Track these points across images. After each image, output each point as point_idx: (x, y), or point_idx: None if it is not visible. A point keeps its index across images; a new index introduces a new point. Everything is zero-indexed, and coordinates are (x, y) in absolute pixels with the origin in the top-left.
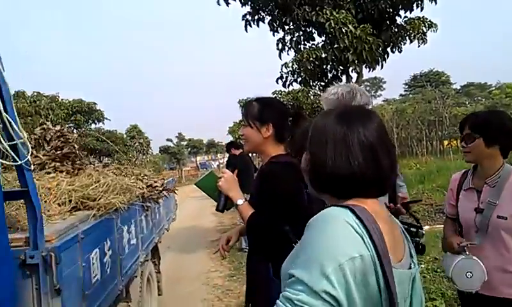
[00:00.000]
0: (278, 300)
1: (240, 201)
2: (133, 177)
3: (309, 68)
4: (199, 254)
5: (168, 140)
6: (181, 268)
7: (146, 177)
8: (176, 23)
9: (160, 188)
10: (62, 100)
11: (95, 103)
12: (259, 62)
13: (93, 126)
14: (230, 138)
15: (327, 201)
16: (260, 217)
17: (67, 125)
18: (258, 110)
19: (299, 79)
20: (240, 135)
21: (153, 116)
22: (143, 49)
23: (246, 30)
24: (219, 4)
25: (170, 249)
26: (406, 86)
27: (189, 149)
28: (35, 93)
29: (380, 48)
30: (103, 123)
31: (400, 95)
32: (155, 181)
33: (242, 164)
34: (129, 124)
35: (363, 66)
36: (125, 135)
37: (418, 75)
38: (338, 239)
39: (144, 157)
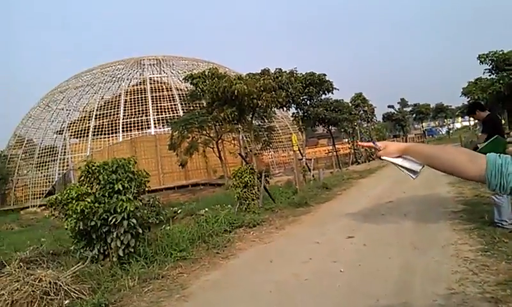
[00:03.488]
0: None
1: None
2: None
3: None
4: (440, 225)
5: (389, 106)
6: (423, 237)
7: None
8: None
9: None
10: (298, 74)
11: (325, 75)
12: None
13: (323, 96)
14: (464, 101)
15: None
16: None
17: (302, 96)
18: None
19: None
20: None
21: (376, 84)
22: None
23: None
24: None
25: (407, 216)
26: None
27: (414, 115)
28: (277, 70)
29: None
30: (332, 93)
31: None
32: None
33: (493, 127)
34: (354, 93)
35: None
36: (350, 104)
37: None
38: None
39: (368, 124)
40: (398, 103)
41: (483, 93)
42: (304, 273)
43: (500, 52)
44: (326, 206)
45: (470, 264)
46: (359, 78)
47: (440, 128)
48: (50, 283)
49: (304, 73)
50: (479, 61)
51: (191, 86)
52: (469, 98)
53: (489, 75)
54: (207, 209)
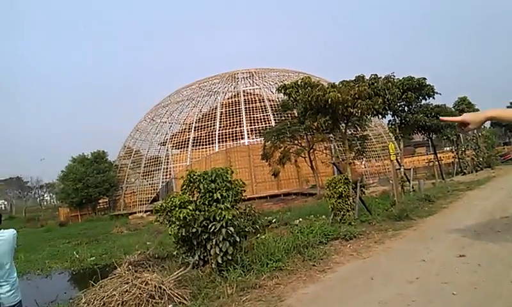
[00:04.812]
0: None
1: None
2: None
3: None
4: None
5: None
6: None
7: None
8: None
9: None
10: (395, 79)
11: (425, 79)
12: None
13: (422, 102)
14: None
15: None
16: None
17: (399, 103)
18: None
19: None
20: None
21: (482, 86)
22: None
23: None
24: None
25: (500, 233)
26: None
27: None
28: (372, 76)
29: None
30: (433, 98)
31: None
32: None
33: None
34: (458, 97)
35: None
36: (453, 109)
37: None
38: None
39: (476, 131)
40: (507, 106)
41: None
42: (411, 294)
43: None
44: (430, 220)
45: None
46: (462, 81)
47: None
48: (155, 286)
49: (401, 78)
50: None
51: (283, 97)
52: None
53: None
54: (300, 219)
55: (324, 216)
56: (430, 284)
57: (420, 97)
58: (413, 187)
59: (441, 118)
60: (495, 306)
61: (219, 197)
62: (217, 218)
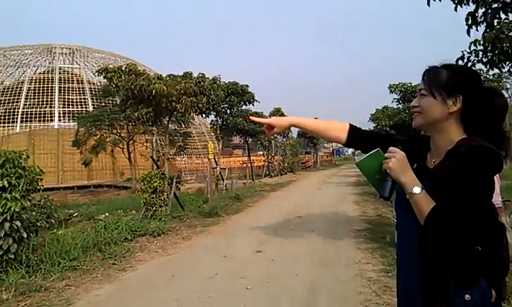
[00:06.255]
0: None
1: (417, 189)
2: None
3: (505, 45)
4: (345, 242)
5: None
6: (330, 255)
7: None
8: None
9: None
10: (221, 82)
11: (247, 86)
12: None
13: (243, 107)
14: (371, 125)
15: None
16: (449, 214)
17: (222, 105)
18: (447, 78)
19: (485, 59)
20: (411, 107)
21: (293, 100)
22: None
23: (429, 4)
24: None
25: (314, 232)
26: None
27: None
28: (200, 75)
29: None
30: (253, 104)
31: None
32: None
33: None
34: (273, 107)
35: None
36: (269, 117)
37: None
38: None
39: (284, 139)
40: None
41: (390, 120)
42: (209, 290)
43: (409, 84)
44: (236, 217)
45: (373, 285)
46: (279, 93)
47: (346, 149)
48: None
49: (227, 82)
50: (389, 91)
51: (105, 81)
52: (376, 124)
53: (397, 105)
54: (107, 214)
55: (134, 211)
56: (227, 280)
57: (242, 102)
58: (226, 186)
59: (251, 117)
60: (281, 298)
61: (6, 186)
62: (0, 210)
